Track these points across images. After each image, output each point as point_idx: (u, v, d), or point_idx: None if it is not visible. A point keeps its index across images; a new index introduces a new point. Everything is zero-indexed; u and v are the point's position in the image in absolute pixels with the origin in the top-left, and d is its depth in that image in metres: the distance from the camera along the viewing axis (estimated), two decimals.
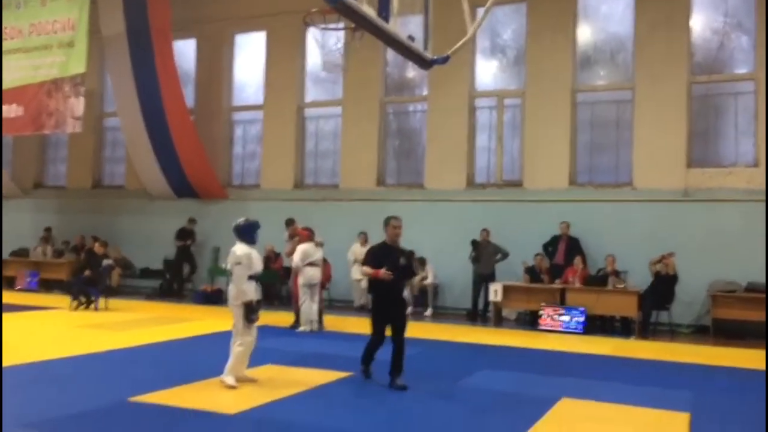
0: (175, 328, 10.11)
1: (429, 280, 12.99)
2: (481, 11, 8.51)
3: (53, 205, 17.54)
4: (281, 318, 11.07)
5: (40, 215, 17.34)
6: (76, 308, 12.03)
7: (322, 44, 8.91)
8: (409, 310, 7.25)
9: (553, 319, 11.18)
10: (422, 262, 13.03)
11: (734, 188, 11.68)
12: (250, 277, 6.49)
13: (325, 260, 11.22)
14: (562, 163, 12.94)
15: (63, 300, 12.64)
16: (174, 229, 15.61)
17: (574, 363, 8.52)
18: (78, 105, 15.06)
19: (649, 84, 12.36)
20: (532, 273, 12.11)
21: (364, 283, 12.94)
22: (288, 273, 12.01)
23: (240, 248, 6.56)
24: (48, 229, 16.82)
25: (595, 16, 13.39)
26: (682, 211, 11.95)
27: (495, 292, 11.86)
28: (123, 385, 6.23)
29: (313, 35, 13.00)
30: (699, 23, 12.48)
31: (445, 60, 7.60)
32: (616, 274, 11.46)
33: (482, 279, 12.40)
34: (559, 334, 10.80)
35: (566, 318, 11.11)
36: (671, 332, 11.35)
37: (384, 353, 6.71)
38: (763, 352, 9.50)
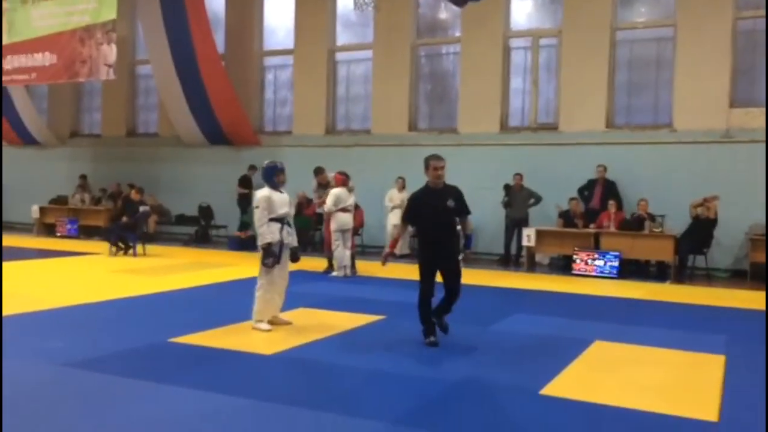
0: (210, 273, 10.31)
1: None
2: None
3: (89, 154, 17.81)
4: (315, 263, 11.21)
5: (76, 164, 17.63)
6: (115, 254, 12.33)
7: None
8: (461, 256, 6.33)
9: (587, 263, 11.09)
10: None
11: None
12: (273, 220, 6.44)
13: (357, 206, 11.23)
14: (599, 104, 12.61)
15: (102, 246, 12.96)
16: (208, 175, 15.81)
17: (608, 307, 8.47)
18: (111, 52, 15.06)
19: (692, 20, 11.84)
20: (566, 217, 11.97)
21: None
22: (320, 219, 12.08)
23: (260, 191, 6.52)
24: (83, 177, 17.11)
25: None
26: (723, 153, 11.61)
27: (528, 237, 11.78)
28: (162, 327, 6.41)
29: None
30: None
31: None
32: (651, 217, 11.26)
33: (515, 224, 12.32)
34: (592, 279, 10.73)
35: (600, 262, 11.01)
36: (708, 276, 11.19)
37: None
38: None
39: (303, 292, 8.47)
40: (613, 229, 11.44)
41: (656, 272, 11.43)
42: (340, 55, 15.40)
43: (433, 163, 5.98)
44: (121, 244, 12.49)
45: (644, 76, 12.63)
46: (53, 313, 7.03)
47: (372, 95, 14.75)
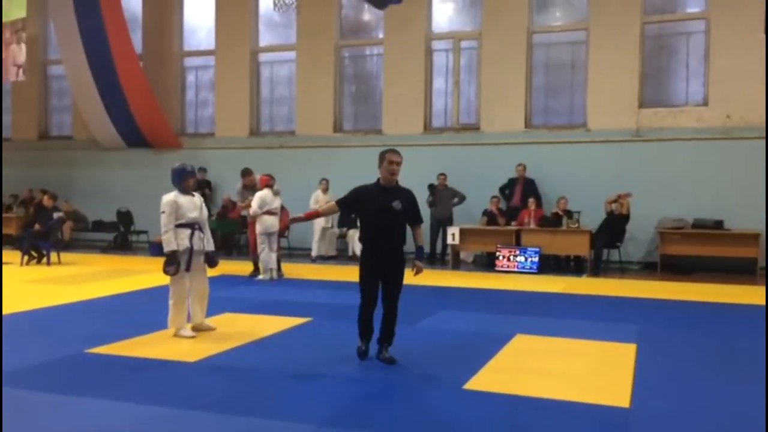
0: (129, 280, 10.01)
1: None
2: None
3: None
4: (240, 267, 11.06)
5: None
6: (27, 263, 11.79)
7: None
8: (414, 271, 5.51)
9: (509, 260, 11.42)
10: None
11: (684, 127, 11.94)
12: (182, 225, 6.28)
13: (283, 208, 11.15)
14: (518, 105, 13.00)
15: (14, 255, 12.35)
16: (127, 179, 15.35)
17: (529, 301, 8.76)
18: (20, 52, 14.40)
19: (603, 24, 12.39)
20: (491, 216, 12.29)
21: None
22: (245, 222, 11.93)
23: (167, 196, 6.34)
24: None
25: None
26: (634, 151, 12.20)
27: (452, 235, 12.02)
28: (79, 338, 6.18)
29: None
30: None
31: None
32: (569, 214, 11.71)
33: (440, 223, 12.54)
34: (514, 275, 11.06)
35: (521, 258, 11.36)
36: (621, 269, 11.73)
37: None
38: (706, 286, 9.93)
39: (228, 297, 8.36)
40: (533, 226, 11.82)
41: (574, 266, 11.89)
42: (263, 56, 15.25)
43: (389, 157, 5.38)
44: (33, 253, 11.96)
45: (560, 78, 13.12)
46: None
47: (296, 97, 14.68)
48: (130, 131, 15.16)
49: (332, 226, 13.42)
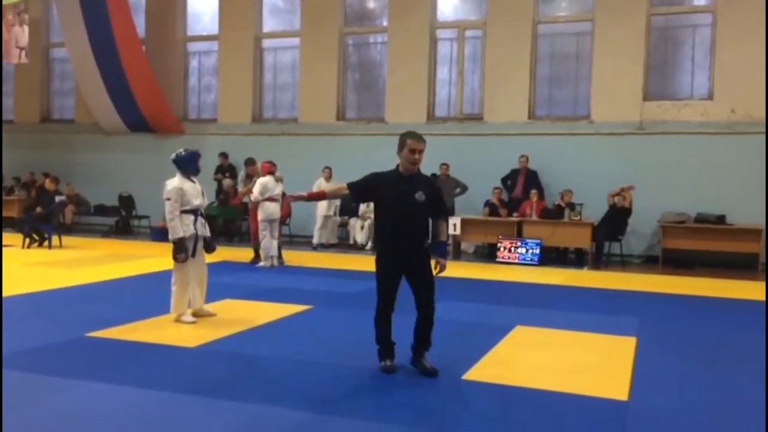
0: (130, 265, 10.01)
1: None
2: None
3: None
4: (241, 253, 11.07)
5: None
6: (29, 246, 11.80)
7: None
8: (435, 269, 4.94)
9: (510, 251, 11.41)
10: None
11: (688, 121, 11.89)
12: (187, 212, 6.28)
13: (284, 195, 11.15)
14: (522, 96, 12.95)
15: (15, 238, 12.37)
16: (129, 164, 15.36)
17: (529, 293, 8.76)
18: (23, 34, 14.35)
19: (609, 15, 12.31)
20: (493, 207, 12.27)
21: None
22: (247, 209, 11.92)
23: (171, 182, 6.29)
24: None
25: None
26: (637, 144, 12.15)
27: (453, 226, 12.00)
28: (80, 322, 6.19)
29: None
30: None
31: None
32: (571, 206, 11.69)
33: None
34: (515, 266, 11.06)
35: (522, 250, 11.35)
36: (623, 263, 11.72)
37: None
38: (707, 280, 9.92)
39: (229, 283, 8.37)
40: (534, 217, 11.80)
41: (575, 259, 11.88)
42: (266, 42, 15.19)
43: (410, 144, 4.67)
44: (35, 236, 11.97)
45: (564, 69, 13.06)
46: None
47: (299, 83, 14.63)
48: (133, 116, 15.13)
49: (334, 214, 13.41)
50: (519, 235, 11.65)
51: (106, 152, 15.84)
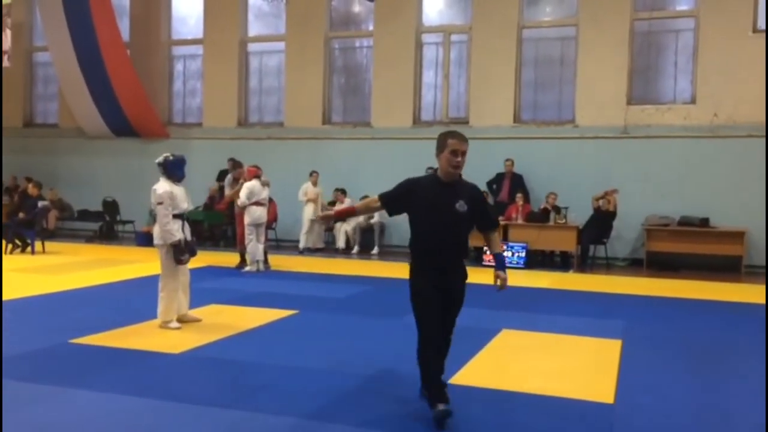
0: (114, 270, 9.93)
1: (375, 219, 13.05)
2: None
3: None
4: (227, 258, 11.01)
5: None
6: (11, 252, 11.67)
7: None
8: (498, 284, 4.40)
9: None
10: None
11: (671, 125, 12.00)
12: (176, 216, 6.28)
13: (270, 199, 11.12)
14: (507, 100, 13.00)
15: None
16: (113, 169, 15.25)
17: (515, 297, 8.72)
18: (5, 38, 14.23)
19: (593, 20, 12.41)
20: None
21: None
22: (232, 213, 11.87)
23: (161, 186, 6.29)
24: None
25: None
26: (622, 148, 12.24)
27: None
28: (63, 328, 6.12)
29: None
30: None
31: None
32: (557, 210, 11.75)
33: None
34: None
35: (509, 253, 11.37)
36: (607, 265, 11.79)
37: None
38: (692, 283, 10.00)
39: (215, 288, 8.32)
40: (520, 221, 11.85)
41: (560, 262, 11.93)
42: (252, 46, 15.15)
43: (452, 144, 4.08)
44: (18, 242, 11.83)
45: (549, 73, 13.13)
46: None
47: (285, 88, 14.60)
48: (117, 120, 15.02)
49: (314, 220, 13.38)
50: (505, 238, 11.68)
51: (89, 157, 15.72)
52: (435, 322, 4.03)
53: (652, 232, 11.53)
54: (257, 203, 10.12)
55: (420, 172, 13.50)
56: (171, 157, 6.47)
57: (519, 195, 12.04)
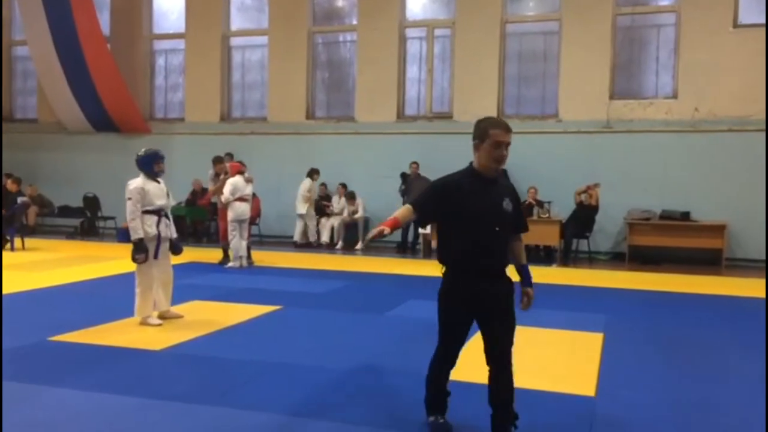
0: (95, 267, 9.83)
1: (359, 214, 13.04)
2: None
3: None
4: (210, 254, 10.94)
5: None
6: None
7: None
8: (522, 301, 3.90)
9: None
10: (352, 196, 13.07)
11: (653, 119, 12.08)
12: (150, 212, 6.20)
13: (254, 195, 11.06)
14: (491, 95, 13.02)
15: None
16: (94, 164, 15.09)
17: None
18: None
19: (576, 15, 12.45)
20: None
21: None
22: (215, 209, 11.79)
23: (134, 182, 6.22)
24: None
25: None
26: (604, 142, 12.31)
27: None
28: (42, 326, 6.05)
29: None
30: None
31: None
32: (539, 204, 11.79)
33: None
34: None
35: None
36: (590, 259, 11.86)
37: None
38: (673, 276, 10.09)
39: (197, 285, 8.27)
40: None
41: (544, 256, 11.99)
42: (234, 41, 15.04)
43: (495, 135, 3.46)
44: None
45: (532, 68, 13.17)
46: None
47: (268, 82, 14.51)
48: (98, 115, 14.86)
49: (304, 215, 13.34)
50: None
51: (70, 152, 15.54)
52: (458, 344, 3.81)
53: (634, 226, 11.61)
54: (241, 199, 10.06)
55: (404, 166, 13.57)
56: (141, 153, 6.40)
57: None
